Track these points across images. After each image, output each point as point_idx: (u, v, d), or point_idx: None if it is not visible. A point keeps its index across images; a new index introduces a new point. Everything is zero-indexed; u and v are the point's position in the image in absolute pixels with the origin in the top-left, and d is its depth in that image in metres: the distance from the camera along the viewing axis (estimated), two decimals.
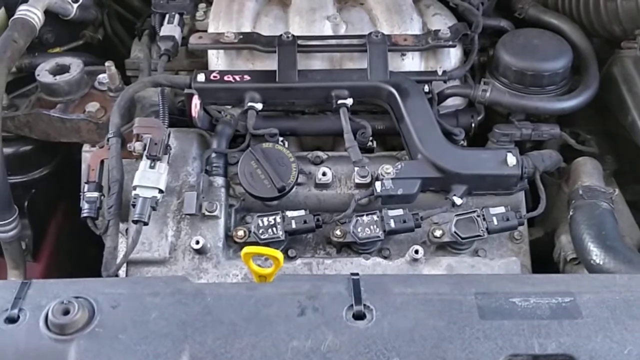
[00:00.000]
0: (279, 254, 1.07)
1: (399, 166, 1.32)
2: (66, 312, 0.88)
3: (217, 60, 1.48)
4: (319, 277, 0.99)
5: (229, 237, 1.30)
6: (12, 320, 0.90)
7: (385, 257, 1.31)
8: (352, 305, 0.91)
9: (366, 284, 0.94)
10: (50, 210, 1.72)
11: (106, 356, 0.86)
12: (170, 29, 1.51)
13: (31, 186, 1.57)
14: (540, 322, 0.89)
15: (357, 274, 0.96)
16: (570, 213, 1.32)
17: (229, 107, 1.44)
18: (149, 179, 1.22)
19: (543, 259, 1.42)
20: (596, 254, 1.21)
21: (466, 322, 0.89)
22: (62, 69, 1.44)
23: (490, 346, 0.87)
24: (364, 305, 0.91)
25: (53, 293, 0.93)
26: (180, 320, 0.90)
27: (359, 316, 0.90)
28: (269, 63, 1.46)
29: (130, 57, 1.67)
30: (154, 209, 1.21)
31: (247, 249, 1.09)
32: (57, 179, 1.64)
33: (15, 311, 0.90)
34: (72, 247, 1.80)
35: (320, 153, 1.41)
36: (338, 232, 1.30)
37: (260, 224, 1.27)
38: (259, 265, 1.11)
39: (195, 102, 1.33)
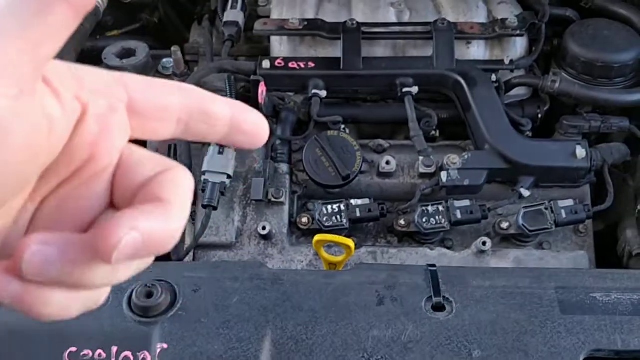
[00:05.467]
0: (351, 243, 1.07)
1: (466, 156, 1.30)
2: (149, 295, 0.90)
3: (280, 46, 1.48)
4: (395, 267, 0.99)
5: (292, 224, 1.31)
6: None
7: (448, 248, 1.31)
8: (430, 297, 0.91)
9: (444, 276, 0.94)
10: None
11: (190, 339, 0.87)
12: (234, 14, 1.50)
13: None
14: (622, 318, 0.89)
15: (434, 266, 0.96)
16: (639, 207, 1.30)
17: (291, 93, 1.45)
18: (217, 164, 1.22)
19: (601, 253, 1.40)
20: None
21: (547, 317, 0.89)
22: (129, 53, 1.45)
23: (572, 341, 0.87)
24: (443, 297, 0.91)
25: (134, 276, 0.95)
26: (261, 305, 0.90)
27: (439, 308, 0.90)
28: (332, 50, 1.46)
29: (189, 41, 1.67)
30: (222, 194, 1.22)
31: (319, 237, 1.10)
32: None
33: None
34: None
35: (382, 141, 1.41)
36: (402, 222, 1.29)
37: (325, 212, 1.27)
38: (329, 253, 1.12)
39: (262, 89, 1.33)
